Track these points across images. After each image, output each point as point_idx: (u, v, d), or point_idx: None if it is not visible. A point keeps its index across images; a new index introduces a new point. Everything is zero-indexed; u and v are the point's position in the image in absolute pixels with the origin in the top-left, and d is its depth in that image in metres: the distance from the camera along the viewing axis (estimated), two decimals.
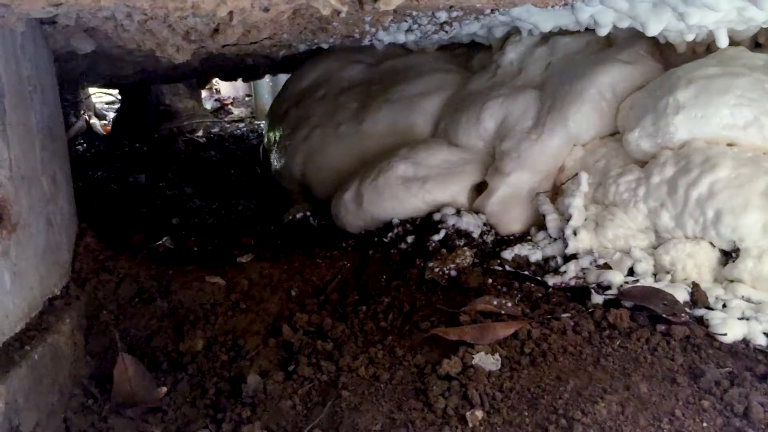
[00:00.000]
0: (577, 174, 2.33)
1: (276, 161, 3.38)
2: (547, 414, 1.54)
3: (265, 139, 3.74)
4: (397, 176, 2.61)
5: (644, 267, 2.06)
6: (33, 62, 1.85)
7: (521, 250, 2.25)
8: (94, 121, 6.07)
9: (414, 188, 2.56)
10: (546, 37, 2.69)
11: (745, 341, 1.78)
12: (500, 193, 2.46)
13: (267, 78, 5.75)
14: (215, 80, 7.01)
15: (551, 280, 2.11)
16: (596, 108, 2.46)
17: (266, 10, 1.53)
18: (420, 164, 2.63)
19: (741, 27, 2.07)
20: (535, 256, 2.23)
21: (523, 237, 2.37)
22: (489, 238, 2.39)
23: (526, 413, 1.56)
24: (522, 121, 2.57)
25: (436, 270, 2.21)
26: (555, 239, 2.25)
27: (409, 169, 2.62)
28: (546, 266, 2.20)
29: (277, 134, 3.46)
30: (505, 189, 2.46)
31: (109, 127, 6.12)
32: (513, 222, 2.44)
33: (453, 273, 2.19)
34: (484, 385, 1.65)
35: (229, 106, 7.51)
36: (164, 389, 1.78)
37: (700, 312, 1.88)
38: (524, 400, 1.60)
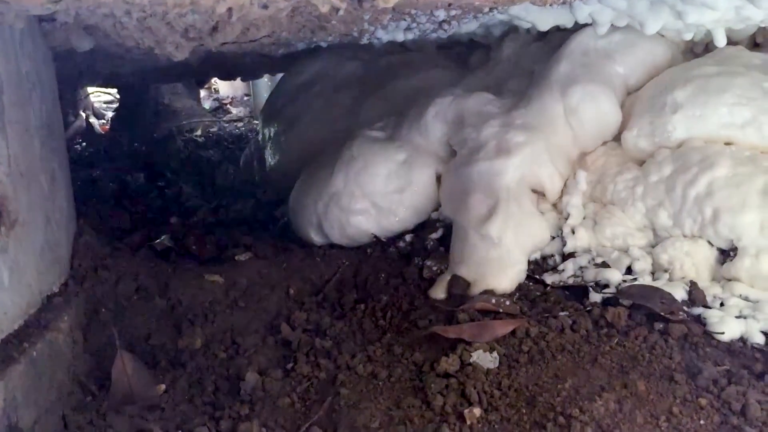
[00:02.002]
0: (575, 172, 2.33)
1: (270, 158, 3.38)
2: (545, 411, 1.55)
3: (260, 135, 3.73)
4: (363, 219, 2.45)
5: (642, 265, 2.06)
6: (32, 59, 1.86)
7: None
8: (92, 120, 6.07)
9: (389, 222, 2.45)
10: (544, 35, 2.68)
11: (743, 339, 1.78)
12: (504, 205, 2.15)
13: (266, 78, 5.75)
14: (214, 80, 7.02)
15: (549, 279, 2.11)
16: (575, 62, 2.37)
17: (265, 7, 1.53)
18: (372, 194, 2.44)
19: (739, 26, 2.08)
20: (534, 254, 2.23)
21: None
22: None
23: (524, 411, 1.56)
24: (491, 110, 2.43)
25: (435, 269, 2.21)
26: (553, 237, 2.25)
27: (369, 206, 2.45)
28: (544, 265, 2.20)
29: (272, 130, 3.45)
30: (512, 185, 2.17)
31: (107, 127, 6.12)
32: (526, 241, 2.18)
33: None
34: (482, 383, 1.65)
35: (228, 106, 7.51)
36: (163, 387, 1.79)
37: (697, 310, 1.88)
38: (522, 397, 1.61)
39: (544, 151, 2.26)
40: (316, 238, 2.56)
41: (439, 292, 2.11)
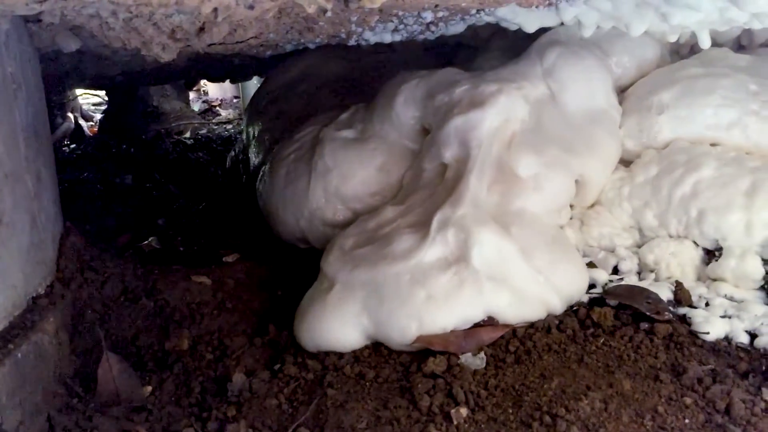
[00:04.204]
0: None
1: (254, 156, 3.36)
2: (531, 411, 1.55)
3: (244, 135, 3.71)
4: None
5: (628, 265, 2.08)
6: (17, 60, 1.85)
7: None
8: (81, 122, 6.04)
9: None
10: (530, 37, 2.69)
11: (728, 339, 1.79)
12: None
13: (254, 80, 5.74)
14: (203, 82, 6.99)
15: None
16: (559, 37, 2.39)
17: (251, 7, 1.53)
18: (355, 203, 2.35)
19: (723, 28, 2.09)
20: None
21: None
22: None
23: (511, 410, 1.57)
24: (461, 78, 2.36)
25: None
26: None
27: (352, 216, 2.34)
28: None
29: (256, 129, 3.43)
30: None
31: (95, 129, 6.09)
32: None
33: None
34: (469, 383, 1.65)
35: (217, 108, 7.48)
36: (149, 388, 1.78)
37: (683, 310, 1.90)
38: (509, 397, 1.61)
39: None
40: (302, 246, 2.54)
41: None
